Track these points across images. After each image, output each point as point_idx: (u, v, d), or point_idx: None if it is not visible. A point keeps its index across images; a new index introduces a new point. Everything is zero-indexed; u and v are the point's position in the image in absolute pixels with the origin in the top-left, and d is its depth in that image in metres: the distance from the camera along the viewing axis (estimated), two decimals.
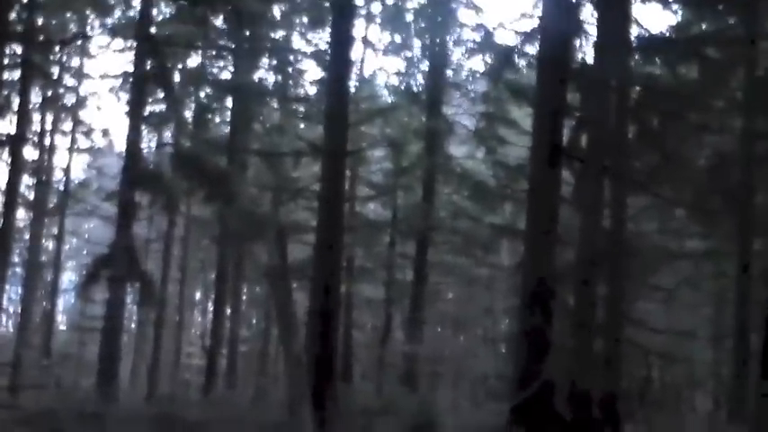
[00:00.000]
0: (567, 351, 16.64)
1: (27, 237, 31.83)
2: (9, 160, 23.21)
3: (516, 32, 22.67)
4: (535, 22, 19.98)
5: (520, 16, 21.82)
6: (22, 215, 30.43)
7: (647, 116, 18.77)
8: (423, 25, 26.07)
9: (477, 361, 34.55)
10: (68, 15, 26.60)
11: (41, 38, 23.81)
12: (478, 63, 26.38)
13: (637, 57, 19.10)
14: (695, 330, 26.17)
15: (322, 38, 25.59)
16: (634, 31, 18.19)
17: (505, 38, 24.92)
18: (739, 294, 22.46)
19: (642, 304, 22.41)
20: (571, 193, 18.54)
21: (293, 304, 6.53)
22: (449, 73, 27.42)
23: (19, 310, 31.70)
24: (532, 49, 20.65)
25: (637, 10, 18.44)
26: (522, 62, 22.62)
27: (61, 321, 42.87)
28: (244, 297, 33.26)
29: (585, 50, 18.97)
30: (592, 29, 18.02)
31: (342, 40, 17.54)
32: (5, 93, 22.59)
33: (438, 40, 26.28)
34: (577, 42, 18.33)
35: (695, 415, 24.70)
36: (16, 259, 30.93)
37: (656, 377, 22.59)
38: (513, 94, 22.76)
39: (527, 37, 21.13)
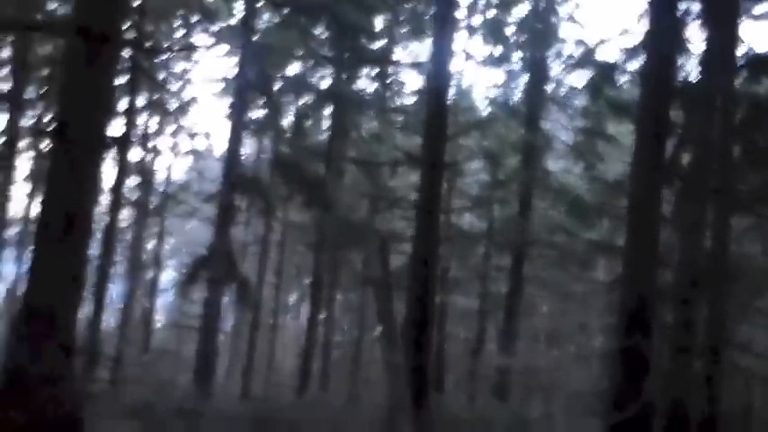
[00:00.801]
0: (666, 372, 16.33)
1: (130, 236, 32.57)
2: (116, 161, 23.78)
3: (619, 48, 22.40)
4: (637, 39, 19.72)
5: (622, 32, 21.46)
6: (125, 215, 31.15)
7: (752, 135, 18.31)
8: (523, 38, 25.93)
9: (570, 376, 34.14)
10: (174, 21, 27.24)
11: (149, 44, 24.38)
12: (578, 78, 26.11)
13: (743, 75, 18.67)
14: None
15: (422, 49, 25.66)
16: (740, 49, 17.78)
17: (606, 53, 24.52)
18: None
19: (744, 328, 21.86)
20: (672, 213, 18.20)
21: (394, 313, 6.56)
22: (548, 87, 27.18)
23: (120, 307, 32.44)
24: (633, 65, 20.40)
25: (744, 27, 18.02)
26: (622, 78, 22.37)
27: (160, 319, 43.75)
28: (337, 303, 33.47)
29: (689, 68, 18.65)
30: (696, 46, 17.70)
31: (442, 52, 17.58)
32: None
33: (538, 54, 26.09)
34: (681, 59, 18.02)
35: None
36: (119, 258, 31.69)
37: (757, 402, 21.97)
38: (614, 109, 22.49)
39: (629, 53, 20.86)
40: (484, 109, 27.74)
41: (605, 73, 21.30)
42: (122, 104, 23.83)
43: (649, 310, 15.81)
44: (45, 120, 21.65)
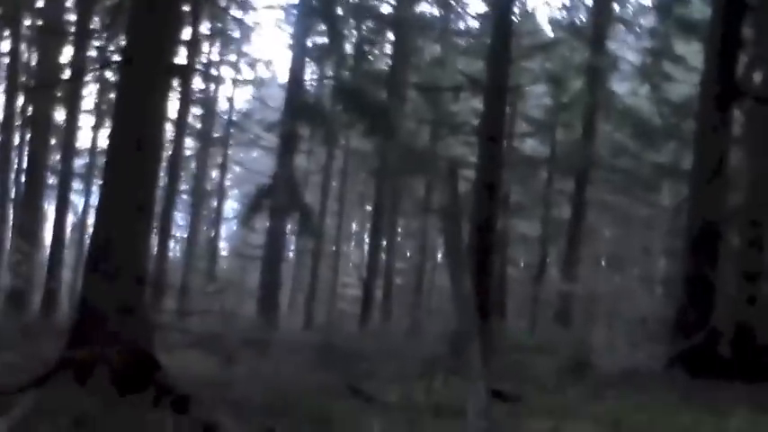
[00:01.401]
0: (732, 297, 16.14)
1: (193, 165, 32.86)
2: (179, 91, 23.89)
3: None
4: None
5: None
6: (189, 144, 31.40)
7: None
8: None
9: (634, 302, 33.96)
10: None
11: None
12: None
13: None
14: None
15: None
16: None
17: None
18: None
19: None
20: (742, 134, 17.81)
21: (464, 245, 6.54)
22: (615, 6, 26.52)
23: (185, 236, 32.92)
24: None
25: None
26: None
27: (224, 248, 44.37)
28: (399, 230, 33.58)
29: None
30: None
31: None
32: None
33: None
34: None
35: None
36: (183, 187, 32.04)
37: None
38: (683, 29, 21.93)
39: None
40: (548, 31, 27.22)
41: None
42: (185, 33, 23.84)
43: (716, 234, 15.61)
44: (111, 50, 21.69)
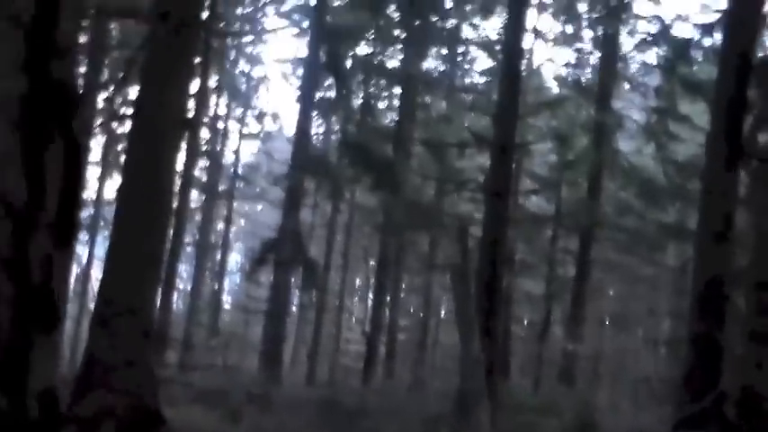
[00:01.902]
0: (739, 359, 16.01)
1: (198, 218, 32.91)
2: (186, 143, 24.02)
3: (695, 25, 21.91)
4: (716, 15, 19.27)
5: (701, 8, 21.00)
6: (194, 197, 31.49)
7: None
8: (595, 16, 25.48)
9: (638, 362, 33.75)
10: (245, 3, 27.40)
11: (221, 25, 24.56)
12: (652, 56, 25.60)
13: None
14: None
15: (492, 27, 25.41)
16: None
17: (682, 30, 24.01)
18: None
19: None
20: (747, 194, 17.81)
21: (473, 301, 6.48)
22: (620, 65, 26.70)
23: (189, 289, 32.86)
24: (710, 41, 19.97)
25: None
26: (698, 55, 21.91)
27: (227, 301, 44.25)
28: (403, 286, 33.48)
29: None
30: None
31: (514, 30, 17.36)
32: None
33: (610, 31, 25.62)
34: (762, 35, 17.58)
35: None
36: (188, 240, 32.06)
37: None
38: (688, 88, 22.06)
39: (706, 29, 20.42)
40: (554, 88, 27.39)
41: (680, 50, 20.88)
42: (193, 86, 24.03)
43: (722, 295, 15.51)
44: (119, 103, 21.86)
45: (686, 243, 23.35)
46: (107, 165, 28.18)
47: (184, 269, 34.76)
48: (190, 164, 24.45)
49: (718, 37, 18.17)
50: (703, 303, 15.45)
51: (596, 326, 33.66)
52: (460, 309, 6.12)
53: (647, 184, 24.14)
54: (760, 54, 17.72)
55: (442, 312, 36.41)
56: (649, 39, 24.29)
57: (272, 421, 11.75)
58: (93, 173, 28.66)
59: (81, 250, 30.83)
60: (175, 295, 30.39)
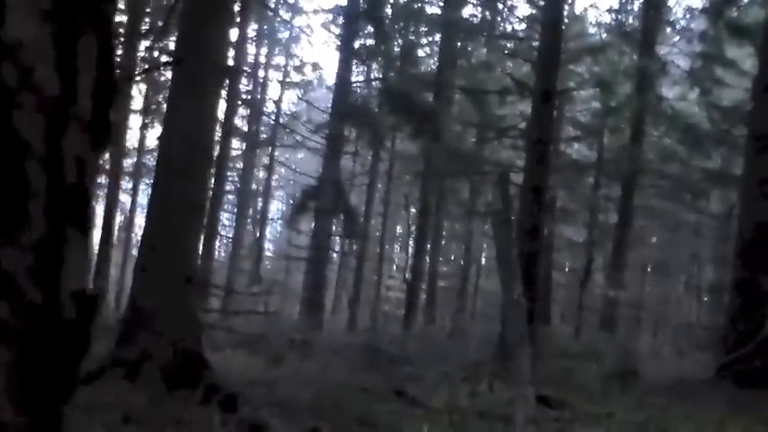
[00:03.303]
0: None
1: (240, 166, 33.09)
2: (226, 92, 24.08)
3: None
4: None
5: None
6: (236, 145, 31.65)
7: None
8: None
9: (681, 309, 33.62)
10: None
11: None
12: (697, 0, 25.16)
13: None
14: None
15: None
16: None
17: None
18: None
19: None
20: None
21: (515, 251, 6.48)
22: (664, 10, 26.24)
23: (231, 237, 33.13)
24: None
25: None
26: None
27: (269, 249, 44.58)
28: (444, 234, 33.51)
29: None
30: None
31: None
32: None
33: None
34: None
35: None
36: (230, 188, 32.28)
37: None
38: (734, 32, 21.62)
39: None
40: (597, 34, 27.02)
41: None
42: (233, 34, 24.01)
43: (766, 240, 15.38)
44: (160, 51, 21.91)
45: (730, 189, 23.10)
46: (149, 113, 28.34)
47: (226, 217, 35.00)
48: (230, 112, 24.53)
49: None
50: (748, 249, 15.35)
51: (638, 273, 33.55)
52: (502, 255, 6.11)
53: (690, 130, 23.81)
54: None
55: (483, 260, 36.40)
56: None
57: (313, 366, 11.90)
58: (135, 122, 28.93)
59: (125, 198, 31.20)
60: (218, 242, 30.70)
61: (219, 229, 28.90)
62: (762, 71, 15.51)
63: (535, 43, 19.07)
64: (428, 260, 28.50)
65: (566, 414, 9.60)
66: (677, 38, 27.25)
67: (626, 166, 24.68)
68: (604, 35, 26.45)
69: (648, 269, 35.70)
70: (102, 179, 26.23)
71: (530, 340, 14.15)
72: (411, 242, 35.09)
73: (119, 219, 31.42)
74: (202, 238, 22.27)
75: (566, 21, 22.53)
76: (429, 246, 28.61)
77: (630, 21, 26.56)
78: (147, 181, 26.02)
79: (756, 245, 15.18)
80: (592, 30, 27.54)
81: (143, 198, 29.04)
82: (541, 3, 18.58)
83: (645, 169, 25.45)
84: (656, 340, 30.19)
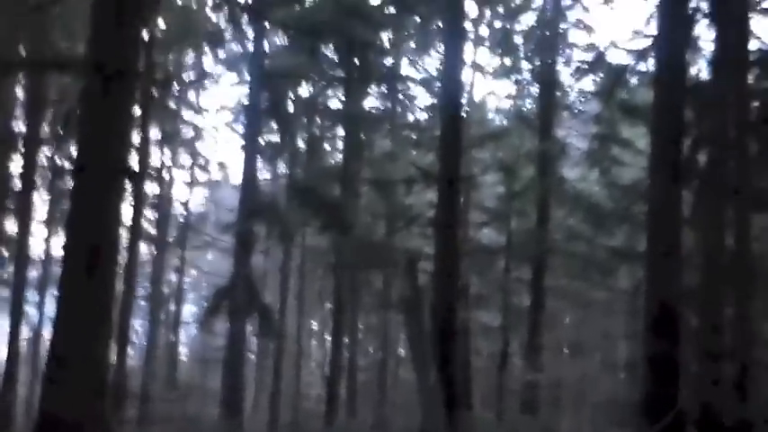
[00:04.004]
0: (696, 376, 16.16)
1: (149, 270, 32.61)
2: (131, 195, 23.85)
3: (628, 51, 22.32)
4: (648, 41, 19.66)
5: (632, 35, 21.37)
6: (144, 249, 31.21)
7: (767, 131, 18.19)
8: (532, 46, 25.88)
9: (598, 386, 33.85)
10: (184, 51, 27.40)
11: (160, 75, 24.50)
12: (589, 84, 26.04)
13: (755, 70, 18.58)
14: None
15: (432, 63, 25.68)
16: (752, 45, 17.68)
17: (617, 57, 24.48)
18: None
19: None
20: (691, 213, 18.08)
21: (426, 333, 6.47)
22: (559, 95, 27.08)
23: (144, 343, 32.45)
24: (645, 66, 20.33)
25: (755, 23, 17.93)
26: (634, 81, 22.31)
27: (184, 353, 43.71)
28: (360, 326, 33.37)
29: (701, 66, 18.60)
30: (706, 44, 17.63)
31: (453, 65, 17.54)
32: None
33: (548, 62, 26.00)
34: (693, 58, 17.96)
35: None
36: (141, 292, 31.72)
37: None
38: (626, 113, 22.41)
39: (639, 55, 20.79)
40: (497, 120, 27.70)
41: (616, 76, 21.24)
42: (135, 137, 23.91)
43: (675, 314, 15.68)
44: (61, 158, 21.68)
45: (636, 265, 23.58)
46: (53, 222, 27.84)
47: (138, 323, 34.30)
48: (137, 216, 24.24)
49: (651, 62, 18.52)
50: (657, 323, 15.60)
51: (555, 353, 33.76)
52: (414, 343, 6.13)
53: (593, 209, 24.41)
54: (693, 76, 18.15)
55: (401, 350, 36.28)
56: (585, 67, 24.70)
57: None
58: (39, 231, 28.36)
59: (31, 311, 30.36)
60: (130, 349, 30.01)
61: (131, 335, 28.26)
62: (654, 148, 16.02)
63: (437, 132, 19.43)
64: (346, 354, 28.29)
65: None
66: (574, 120, 28.08)
67: (534, 248, 25.10)
68: (504, 121, 27.11)
69: (565, 349, 35.95)
70: (6, 292, 25.61)
71: (451, 427, 14.08)
72: (328, 337, 34.86)
73: (26, 333, 30.54)
74: (116, 346, 21.77)
75: (466, 108, 23.06)
76: (346, 339, 28.43)
77: (528, 106, 27.30)
78: (54, 291, 25.45)
79: (664, 319, 15.46)
80: (492, 116, 28.23)
81: (50, 310, 28.35)
82: (441, 92, 19.01)
83: (553, 250, 25.90)
84: (576, 419, 30.28)
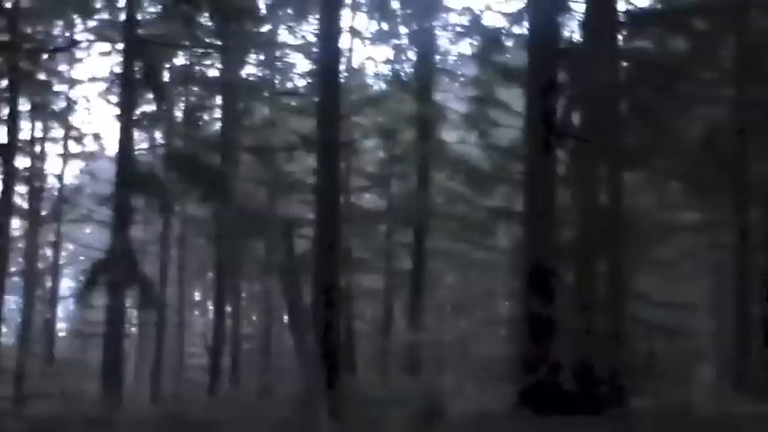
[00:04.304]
0: (571, 331, 16.64)
1: (24, 245, 31.72)
2: (2, 170, 23.11)
3: (503, 14, 22.64)
4: (521, 4, 19.99)
5: None
6: (17, 224, 30.32)
7: (638, 91, 18.74)
8: (409, 12, 25.91)
9: (480, 345, 34.54)
10: (53, 20, 26.55)
11: (28, 45, 23.69)
12: (466, 47, 26.31)
13: (625, 32, 19.08)
14: (696, 303, 26.23)
15: (309, 30, 25.52)
16: (621, 6, 18.15)
17: (493, 20, 24.83)
18: (738, 264, 22.56)
19: (643, 279, 22.37)
20: (566, 172, 18.52)
21: (303, 299, 6.45)
22: (437, 58, 27.28)
23: (19, 320, 31.59)
24: (520, 29, 20.67)
25: None
26: (510, 43, 22.64)
27: (62, 328, 42.71)
28: (243, 294, 33.21)
29: (573, 28, 18.99)
30: (579, 6, 17.99)
31: (330, 31, 17.44)
32: None
33: (425, 26, 26.11)
34: (565, 20, 18.32)
35: (700, 386, 24.68)
36: (14, 269, 30.81)
37: (660, 351, 22.60)
38: (503, 75, 22.71)
39: (514, 18, 21.13)
40: (376, 86, 27.74)
41: (492, 40, 21.52)
42: (4, 110, 23.14)
43: (550, 271, 16.12)
44: None
45: (515, 224, 24.02)
46: None
47: (13, 300, 33.33)
48: (8, 190, 23.52)
49: (525, 25, 18.85)
50: (532, 281, 16.02)
51: (438, 314, 34.28)
52: (291, 308, 6.12)
53: (473, 171, 24.73)
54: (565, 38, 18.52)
55: (285, 317, 36.29)
56: (462, 30, 24.95)
57: None
58: None
59: None
60: (4, 327, 29.24)
61: (5, 312, 27.48)
62: (529, 109, 16.35)
63: (316, 98, 19.34)
64: (229, 323, 28.12)
65: None
66: (452, 84, 28.35)
67: (415, 212, 25.33)
68: (383, 86, 27.18)
69: (447, 309, 36.49)
70: None
71: (334, 391, 14.17)
72: (211, 307, 34.58)
73: None
74: None
75: (344, 74, 23.01)
76: (230, 308, 28.25)
77: (407, 70, 27.40)
78: None
79: (540, 276, 15.87)
80: (371, 81, 28.26)
81: None
82: (319, 58, 18.91)
83: (434, 213, 26.19)
84: (459, 378, 30.83)
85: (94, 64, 40.85)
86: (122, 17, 22.24)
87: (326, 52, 17.57)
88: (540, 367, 14.55)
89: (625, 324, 17.88)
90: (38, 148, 31.68)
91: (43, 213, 31.96)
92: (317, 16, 19.14)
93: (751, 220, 21.75)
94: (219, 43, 25.04)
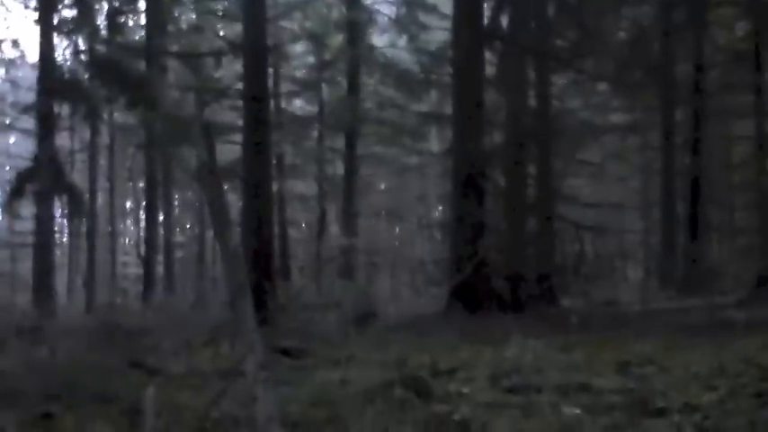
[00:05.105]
0: (502, 231, 16.91)
1: None
2: None
3: None
4: None
5: None
6: None
7: None
8: None
9: (414, 248, 34.94)
10: None
11: None
12: None
13: None
14: (624, 202, 26.79)
15: None
16: None
17: None
18: (664, 164, 23.04)
19: (572, 180, 22.73)
20: (495, 75, 18.57)
21: (226, 200, 6.43)
22: None
23: None
24: None
25: None
26: None
27: None
28: (176, 202, 32.97)
29: None
30: None
31: None
32: None
33: None
34: None
35: (628, 284, 25.39)
36: None
37: (588, 250, 23.14)
38: None
39: None
40: None
41: None
42: None
43: (480, 174, 16.28)
44: None
45: (446, 128, 24.13)
46: None
47: None
48: None
49: None
50: (463, 184, 16.17)
51: (372, 219, 34.51)
52: (212, 207, 6.09)
53: (403, 75, 24.64)
54: None
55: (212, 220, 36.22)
56: None
57: (43, 351, 11.38)
58: None
59: None
60: None
61: None
62: (457, 11, 16.25)
63: (242, 2, 18.96)
64: (162, 231, 27.96)
65: (307, 361, 9.78)
66: None
67: (347, 117, 25.21)
68: None
69: (382, 214, 36.74)
70: None
71: (269, 294, 14.24)
72: (142, 215, 34.28)
73: None
74: None
75: None
76: (162, 217, 28.05)
77: None
78: None
79: (470, 181, 16.02)
80: None
81: None
82: None
83: (365, 118, 26.12)
84: (393, 282, 31.26)
85: None
86: None
87: None
88: (467, 268, 14.79)
89: (554, 225, 18.24)
90: None
91: None
92: None
93: (676, 121, 22.15)
94: None
